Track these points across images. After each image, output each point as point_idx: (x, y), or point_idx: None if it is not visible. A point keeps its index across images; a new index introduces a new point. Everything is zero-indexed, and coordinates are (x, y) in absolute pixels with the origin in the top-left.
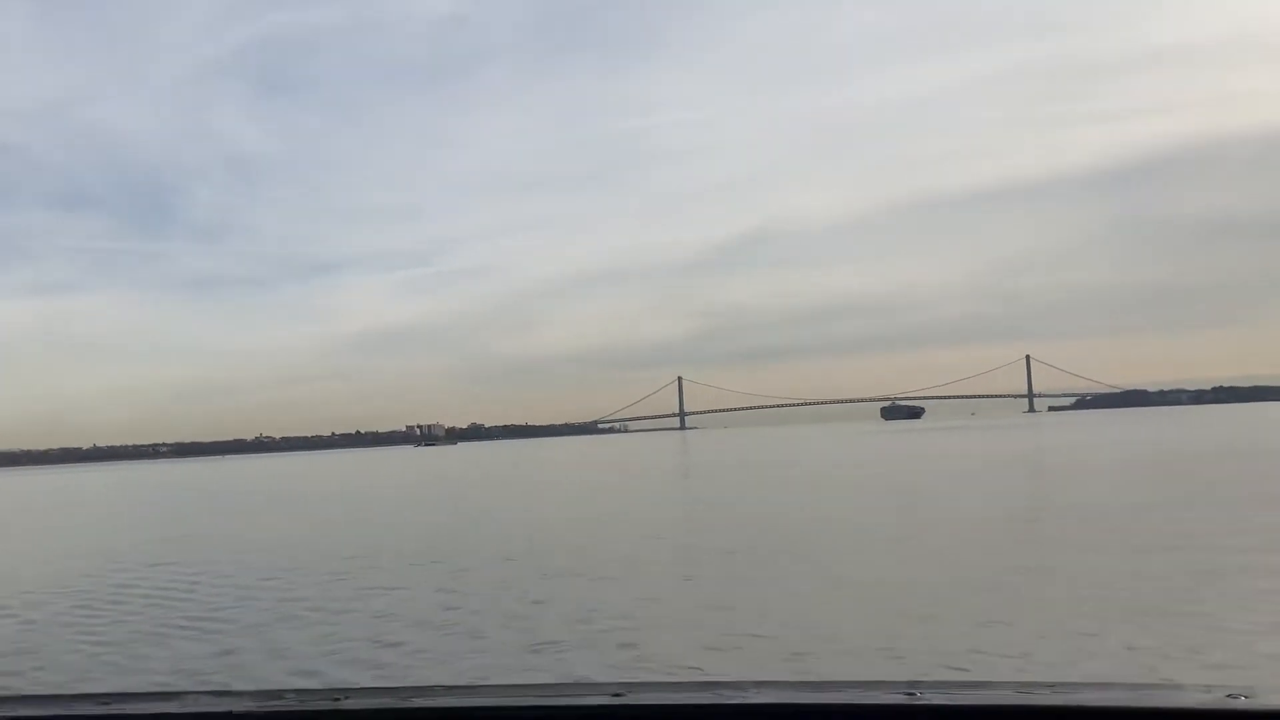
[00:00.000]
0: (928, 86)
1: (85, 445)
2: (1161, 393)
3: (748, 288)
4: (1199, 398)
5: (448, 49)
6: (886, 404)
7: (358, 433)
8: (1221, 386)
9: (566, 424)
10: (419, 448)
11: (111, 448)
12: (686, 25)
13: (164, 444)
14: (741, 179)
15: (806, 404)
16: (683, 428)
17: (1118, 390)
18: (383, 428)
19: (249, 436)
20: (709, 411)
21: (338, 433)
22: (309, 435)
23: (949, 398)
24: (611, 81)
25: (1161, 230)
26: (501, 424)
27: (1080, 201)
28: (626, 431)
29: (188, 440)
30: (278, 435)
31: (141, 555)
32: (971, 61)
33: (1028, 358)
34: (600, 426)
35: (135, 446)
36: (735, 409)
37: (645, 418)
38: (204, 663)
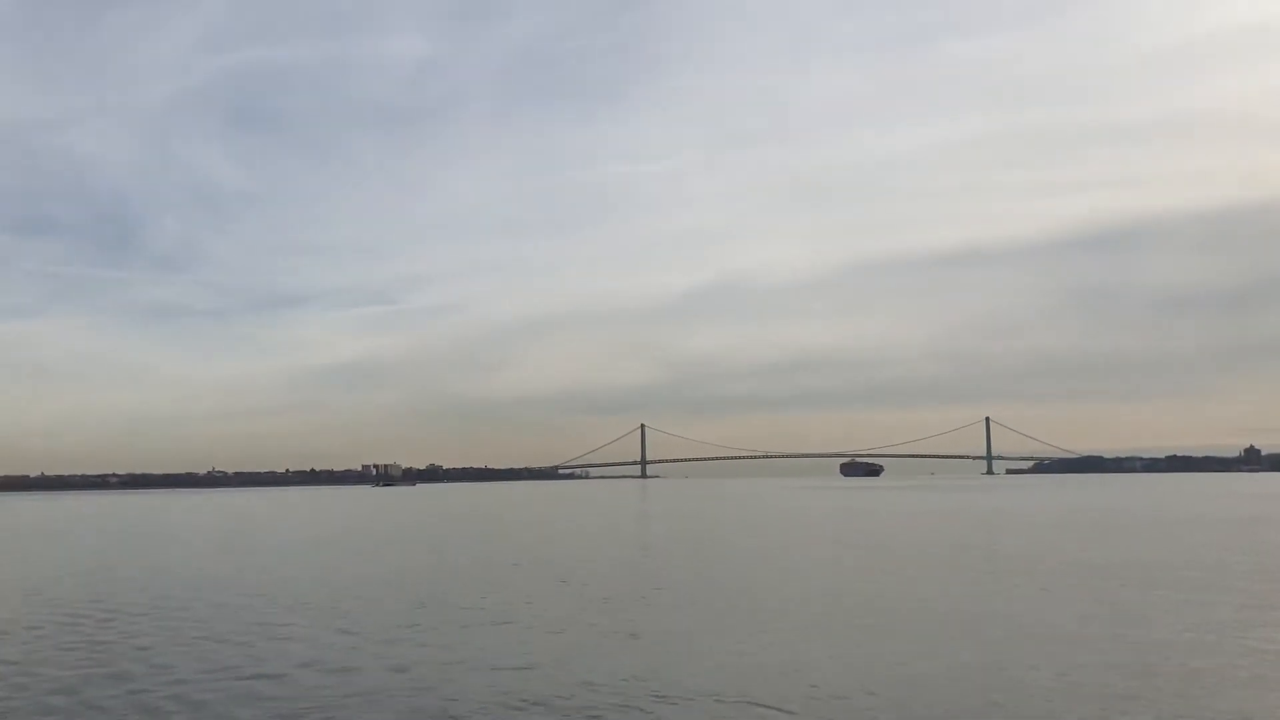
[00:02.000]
0: (893, 151)
1: (34, 473)
2: (1117, 459)
3: (712, 339)
4: (1152, 465)
5: (420, 93)
6: (846, 460)
7: (313, 470)
8: (1175, 455)
9: (527, 468)
10: (376, 488)
11: (60, 477)
12: (657, 79)
13: (115, 474)
14: (708, 231)
15: (768, 457)
16: (644, 476)
17: (1074, 455)
18: (339, 466)
19: (202, 470)
20: (671, 460)
21: (292, 469)
22: (263, 471)
23: (909, 456)
24: (582, 131)
25: (1119, 301)
26: (461, 466)
27: (1041, 269)
28: (588, 477)
29: (139, 471)
30: (230, 470)
31: None
32: (936, 129)
33: (987, 420)
34: (561, 472)
35: (84, 476)
36: (697, 459)
37: (607, 464)
38: None
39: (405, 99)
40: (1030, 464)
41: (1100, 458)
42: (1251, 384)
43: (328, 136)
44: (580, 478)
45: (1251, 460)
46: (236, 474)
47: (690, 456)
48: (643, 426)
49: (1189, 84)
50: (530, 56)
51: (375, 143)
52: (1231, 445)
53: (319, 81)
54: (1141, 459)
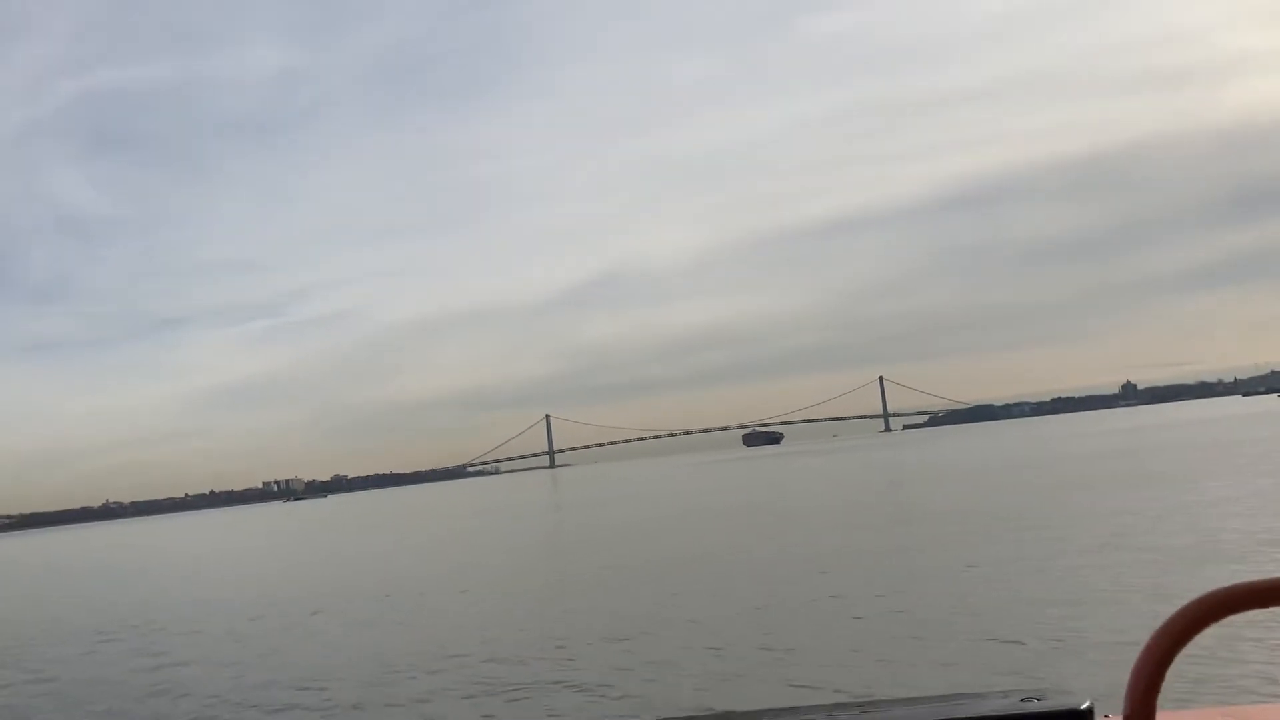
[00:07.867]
0: (761, 129)
1: None
2: (1006, 406)
3: (607, 326)
4: (1039, 409)
5: (286, 102)
6: (747, 431)
7: (212, 493)
8: (1060, 397)
9: (434, 469)
10: (289, 503)
11: None
12: (524, 73)
13: (4, 516)
14: (592, 220)
15: (672, 435)
16: (553, 466)
17: (967, 406)
18: (239, 485)
19: (96, 504)
20: (578, 448)
21: (191, 494)
22: (161, 498)
23: (808, 421)
24: (456, 129)
25: (993, 255)
26: (365, 474)
27: (917, 231)
28: (497, 473)
29: (29, 511)
30: (127, 500)
31: None
32: (799, 105)
33: (880, 379)
34: (470, 470)
35: None
36: (604, 444)
37: (515, 458)
38: None
39: (272, 109)
40: (925, 418)
41: (990, 406)
42: (1123, 323)
43: (194, 153)
44: (490, 474)
45: (1129, 395)
46: (133, 504)
47: (598, 442)
48: (547, 417)
49: (1036, 42)
50: (396, 59)
51: (244, 155)
52: (1110, 383)
53: (179, 98)
54: (1029, 404)
